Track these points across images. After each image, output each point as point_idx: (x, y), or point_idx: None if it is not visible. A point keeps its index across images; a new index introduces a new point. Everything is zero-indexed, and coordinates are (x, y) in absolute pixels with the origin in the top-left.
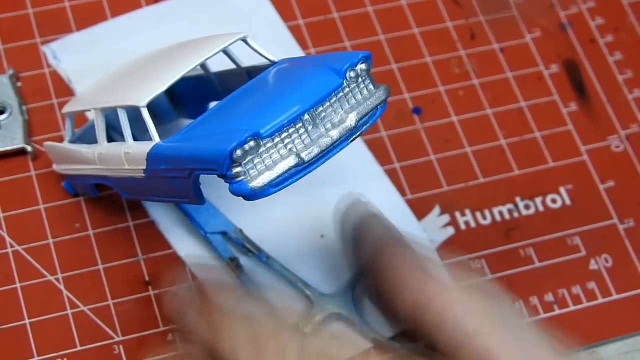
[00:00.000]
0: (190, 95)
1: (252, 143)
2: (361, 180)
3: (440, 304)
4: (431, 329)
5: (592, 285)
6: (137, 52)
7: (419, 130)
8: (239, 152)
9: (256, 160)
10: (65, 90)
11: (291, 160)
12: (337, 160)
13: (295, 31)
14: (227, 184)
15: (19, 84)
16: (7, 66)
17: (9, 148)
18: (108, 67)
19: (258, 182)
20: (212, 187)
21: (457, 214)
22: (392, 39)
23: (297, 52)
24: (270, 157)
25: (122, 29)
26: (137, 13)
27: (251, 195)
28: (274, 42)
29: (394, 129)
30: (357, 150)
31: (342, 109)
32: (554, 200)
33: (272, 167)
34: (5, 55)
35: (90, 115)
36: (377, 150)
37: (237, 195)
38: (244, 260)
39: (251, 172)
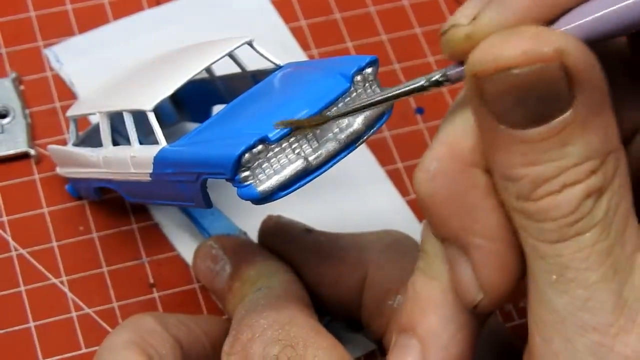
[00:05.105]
0: (193, 99)
1: (260, 147)
2: (362, 183)
3: None
4: None
5: None
6: (140, 55)
7: (422, 130)
8: (247, 156)
9: (264, 165)
10: (68, 93)
11: (299, 165)
12: (339, 162)
13: (297, 32)
14: (235, 188)
15: (21, 87)
16: (10, 69)
17: (12, 152)
18: (110, 70)
19: (266, 186)
20: (216, 190)
21: None
22: (394, 39)
23: (298, 53)
24: (279, 162)
25: (125, 31)
26: (140, 16)
27: (260, 199)
28: (275, 44)
29: (397, 129)
30: (359, 153)
31: None
32: None
33: (280, 171)
34: (8, 58)
35: (94, 118)
36: (380, 150)
37: (246, 200)
38: None
39: (259, 176)
